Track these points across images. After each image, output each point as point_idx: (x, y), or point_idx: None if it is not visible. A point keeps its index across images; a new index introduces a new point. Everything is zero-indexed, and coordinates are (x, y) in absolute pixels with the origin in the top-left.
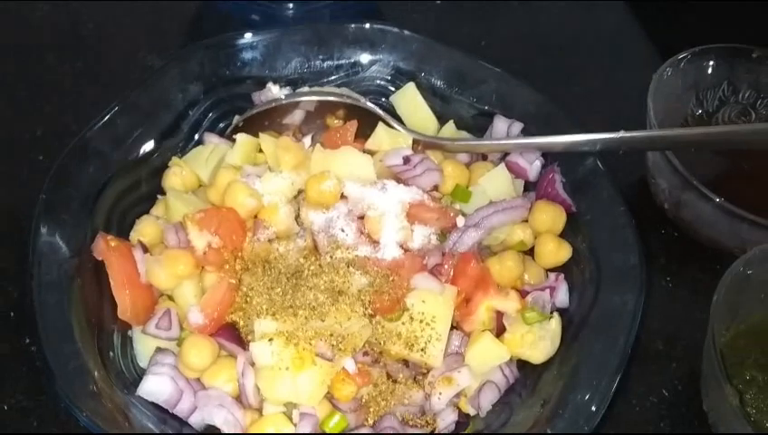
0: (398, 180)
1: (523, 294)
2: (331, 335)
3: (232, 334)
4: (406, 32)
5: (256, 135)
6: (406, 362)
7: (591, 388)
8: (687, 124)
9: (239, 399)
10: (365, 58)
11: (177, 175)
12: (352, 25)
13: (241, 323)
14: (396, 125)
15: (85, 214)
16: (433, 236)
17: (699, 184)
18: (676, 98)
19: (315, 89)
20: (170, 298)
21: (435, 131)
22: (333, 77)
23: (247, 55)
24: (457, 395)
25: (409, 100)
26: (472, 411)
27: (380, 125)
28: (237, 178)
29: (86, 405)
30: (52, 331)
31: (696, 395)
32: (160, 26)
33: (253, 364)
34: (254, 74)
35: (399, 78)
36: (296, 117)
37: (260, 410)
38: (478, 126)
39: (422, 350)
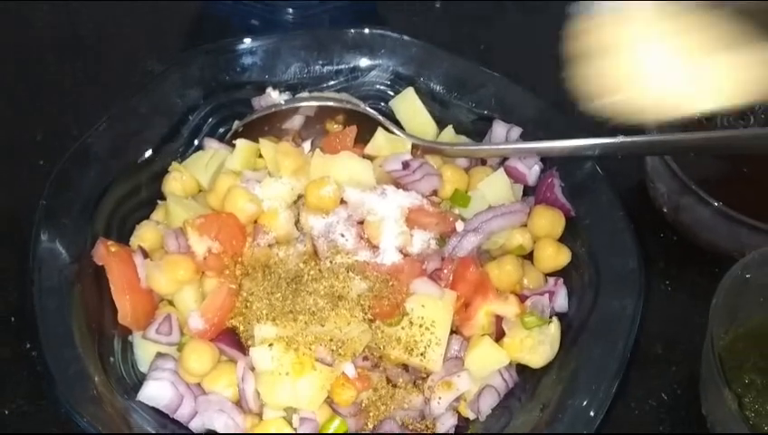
0: (398, 185)
1: (522, 298)
2: (331, 340)
3: (232, 339)
4: (405, 37)
5: (256, 140)
6: (405, 367)
7: (590, 392)
8: (686, 129)
9: (239, 404)
10: (364, 63)
11: (177, 180)
12: (352, 31)
13: (241, 328)
14: (395, 130)
15: (85, 219)
16: (432, 240)
17: (698, 188)
18: None
19: (315, 94)
20: (171, 303)
21: (434, 136)
22: (333, 82)
23: (247, 60)
24: (457, 399)
25: (408, 105)
26: (471, 416)
27: (380, 130)
28: (237, 184)
29: (86, 410)
30: (52, 336)
31: (695, 399)
32: (160, 27)
33: (253, 369)
34: (254, 79)
35: (398, 83)
36: (296, 122)
37: (260, 415)
38: (477, 131)
39: (422, 354)
